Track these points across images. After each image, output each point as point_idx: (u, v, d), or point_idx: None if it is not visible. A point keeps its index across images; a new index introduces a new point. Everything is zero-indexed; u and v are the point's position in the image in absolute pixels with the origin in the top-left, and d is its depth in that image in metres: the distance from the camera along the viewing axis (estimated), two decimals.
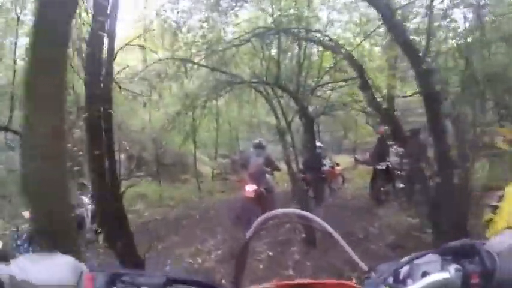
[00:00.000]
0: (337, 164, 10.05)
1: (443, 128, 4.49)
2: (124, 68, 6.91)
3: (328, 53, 7.18)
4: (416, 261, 0.69)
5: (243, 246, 0.86)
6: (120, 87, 5.44)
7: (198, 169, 12.44)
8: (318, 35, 6.76)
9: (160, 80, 6.86)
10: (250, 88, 9.10)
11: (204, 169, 14.51)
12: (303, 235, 5.45)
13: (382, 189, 7.89)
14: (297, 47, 7.18)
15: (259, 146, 6.67)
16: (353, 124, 9.59)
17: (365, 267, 0.74)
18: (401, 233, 5.49)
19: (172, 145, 10.82)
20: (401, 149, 9.72)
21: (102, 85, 3.84)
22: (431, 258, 0.69)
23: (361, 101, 7.33)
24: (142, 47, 7.64)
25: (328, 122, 12.87)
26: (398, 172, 8.88)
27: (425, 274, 0.66)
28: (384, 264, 0.74)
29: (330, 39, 6.55)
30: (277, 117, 5.30)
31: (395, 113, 7.65)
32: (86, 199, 6.33)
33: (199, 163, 13.52)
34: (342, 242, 0.76)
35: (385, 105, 6.97)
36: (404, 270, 0.71)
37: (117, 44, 4.55)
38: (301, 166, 6.83)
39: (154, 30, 7.44)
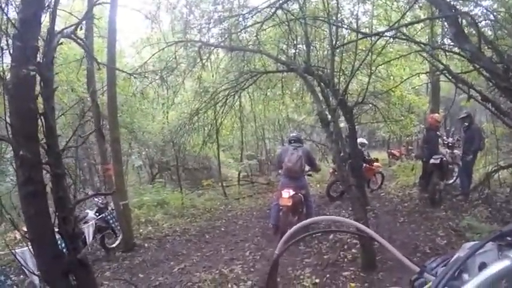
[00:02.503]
0: (376, 160, 8.85)
1: None
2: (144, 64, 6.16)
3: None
4: None
5: (272, 264, 0.82)
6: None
7: (222, 173, 11.47)
8: None
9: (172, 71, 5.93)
10: (276, 79, 8.17)
11: (229, 172, 13.59)
12: (353, 250, 4.37)
13: (437, 187, 6.61)
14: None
15: (297, 140, 5.59)
16: (392, 114, 8.37)
17: (417, 269, 0.68)
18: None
19: (194, 148, 9.94)
20: (450, 139, 8.55)
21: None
22: (486, 247, 0.58)
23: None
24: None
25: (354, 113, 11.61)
26: (450, 166, 7.71)
27: (483, 266, 0.56)
28: (435, 261, 0.67)
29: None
30: (318, 101, 4.17)
31: None
32: (91, 213, 5.50)
33: (224, 166, 12.58)
34: (386, 244, 0.72)
35: None
36: None
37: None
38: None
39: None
